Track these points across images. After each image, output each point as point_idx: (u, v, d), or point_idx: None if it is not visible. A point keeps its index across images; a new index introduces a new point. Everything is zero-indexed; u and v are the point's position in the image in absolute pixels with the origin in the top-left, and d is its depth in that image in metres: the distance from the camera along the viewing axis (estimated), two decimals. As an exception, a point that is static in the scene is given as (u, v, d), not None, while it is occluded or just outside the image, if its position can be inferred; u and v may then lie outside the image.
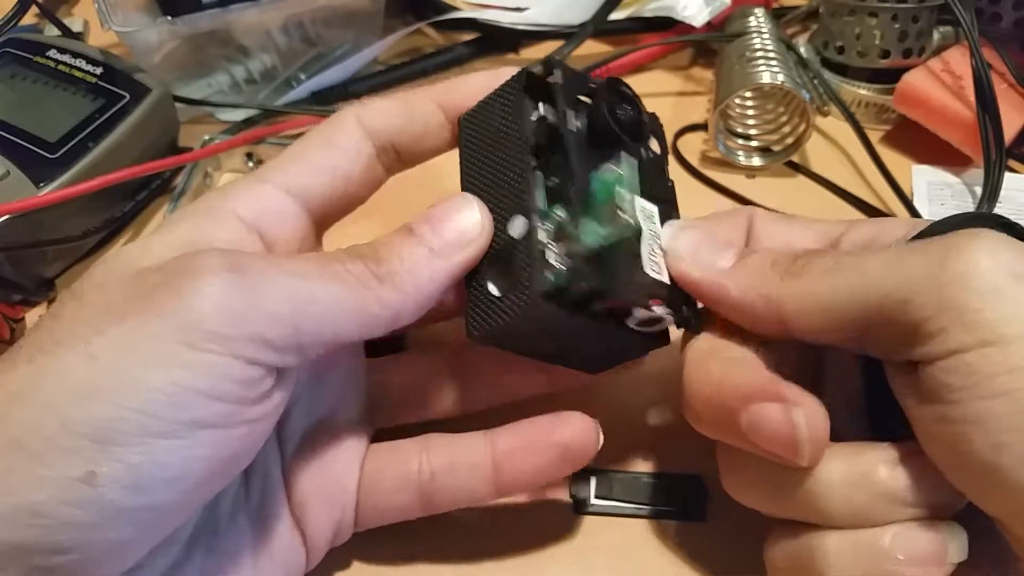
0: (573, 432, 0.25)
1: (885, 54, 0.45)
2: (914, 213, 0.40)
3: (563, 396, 0.33)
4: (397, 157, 0.27)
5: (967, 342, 0.19)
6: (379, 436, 0.28)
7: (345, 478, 0.26)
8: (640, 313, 0.24)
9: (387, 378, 0.29)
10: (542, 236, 0.23)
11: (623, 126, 0.25)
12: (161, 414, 0.19)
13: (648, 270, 0.24)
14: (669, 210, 0.27)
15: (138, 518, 0.19)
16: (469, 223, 0.23)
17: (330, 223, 0.27)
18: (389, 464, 0.26)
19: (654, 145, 0.28)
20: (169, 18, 0.42)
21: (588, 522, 0.29)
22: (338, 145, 0.26)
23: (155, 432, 0.19)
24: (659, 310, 0.24)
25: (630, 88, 0.26)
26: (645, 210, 0.25)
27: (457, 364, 0.29)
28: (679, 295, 0.25)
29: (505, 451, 0.25)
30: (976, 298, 0.19)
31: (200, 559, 0.23)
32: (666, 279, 0.25)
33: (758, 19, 0.47)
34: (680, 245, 0.25)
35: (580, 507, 0.29)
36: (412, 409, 0.29)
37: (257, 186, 0.25)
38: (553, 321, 0.23)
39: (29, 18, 0.51)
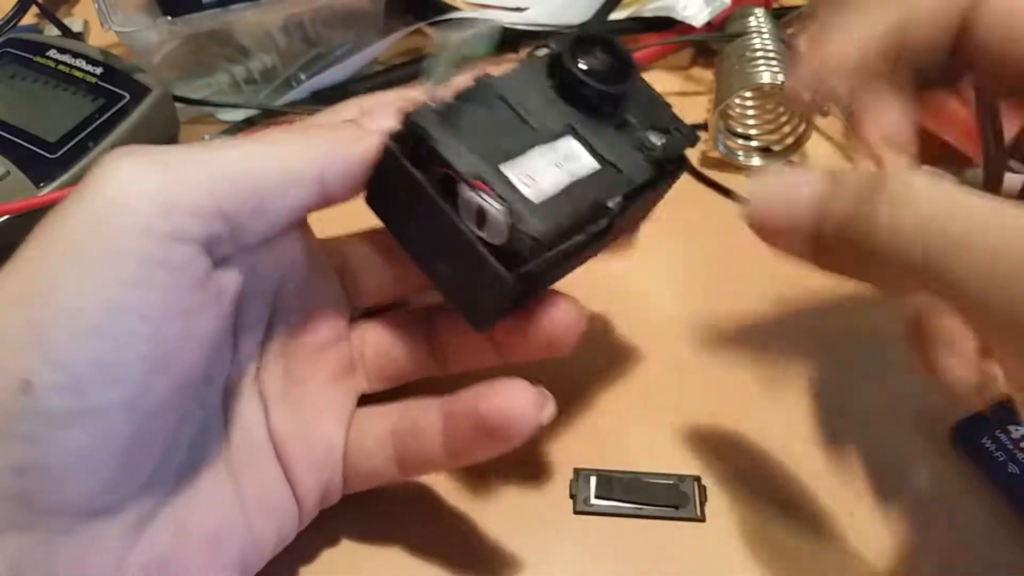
0: (497, 405, 0.23)
1: (885, 54, 0.45)
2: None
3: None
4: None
5: None
6: (367, 401, 0.28)
7: (331, 440, 0.26)
8: (465, 193, 0.22)
9: (364, 336, 0.28)
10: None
11: (601, 75, 0.25)
12: (88, 310, 0.18)
13: (510, 171, 0.23)
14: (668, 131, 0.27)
15: (85, 424, 0.19)
16: (394, 99, 0.25)
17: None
18: (371, 426, 0.26)
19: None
20: (169, 18, 0.42)
21: (588, 522, 0.29)
22: None
23: (84, 330, 0.18)
24: (485, 197, 0.22)
25: (598, 34, 0.26)
26: (571, 148, 0.25)
27: (429, 326, 0.28)
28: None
29: (448, 416, 0.25)
30: None
31: (177, 509, 0.23)
32: (530, 196, 0.23)
33: (758, 19, 0.47)
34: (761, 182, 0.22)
35: (580, 507, 0.29)
36: (391, 370, 0.28)
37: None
38: (397, 172, 0.23)
39: (29, 18, 0.51)
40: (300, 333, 0.27)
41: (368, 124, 0.24)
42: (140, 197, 0.19)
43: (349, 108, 0.26)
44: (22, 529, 0.19)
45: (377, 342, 0.28)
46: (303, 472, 0.26)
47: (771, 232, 0.22)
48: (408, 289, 0.29)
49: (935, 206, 0.19)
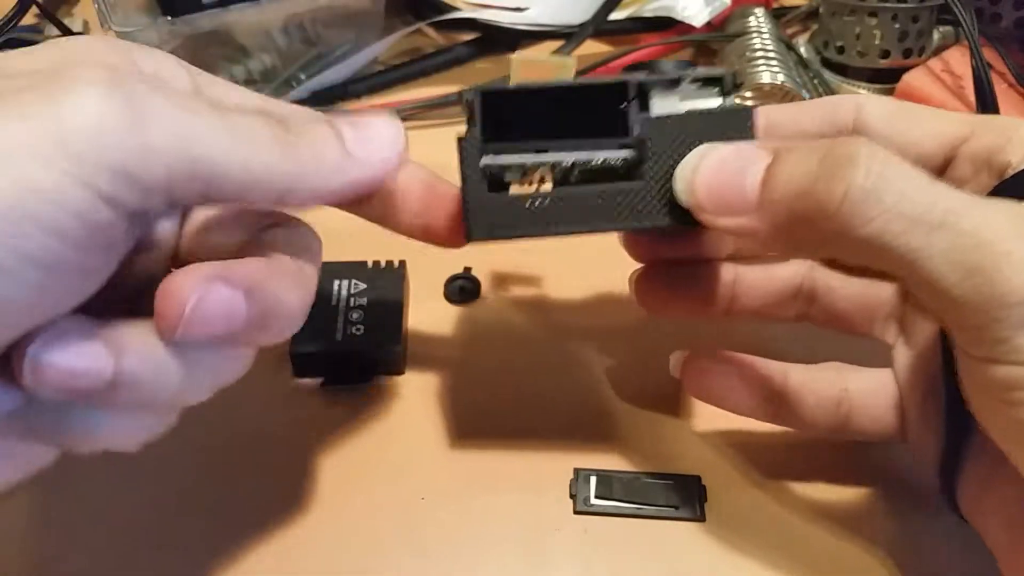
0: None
1: (885, 54, 0.45)
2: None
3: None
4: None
5: None
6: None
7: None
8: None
9: None
10: None
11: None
12: None
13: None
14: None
15: None
16: (390, 138, 0.22)
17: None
18: None
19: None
20: (169, 18, 0.42)
21: (588, 522, 0.29)
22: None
23: None
24: None
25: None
26: None
27: None
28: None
29: None
30: None
31: None
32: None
33: (758, 19, 0.47)
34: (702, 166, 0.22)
35: (580, 507, 0.29)
36: None
37: (164, 54, 0.23)
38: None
39: (29, 18, 0.51)
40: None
41: (361, 149, 0.22)
42: (92, 144, 0.17)
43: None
44: None
45: None
46: None
47: (714, 213, 0.22)
48: None
49: (909, 184, 0.19)
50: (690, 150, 0.23)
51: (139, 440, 0.21)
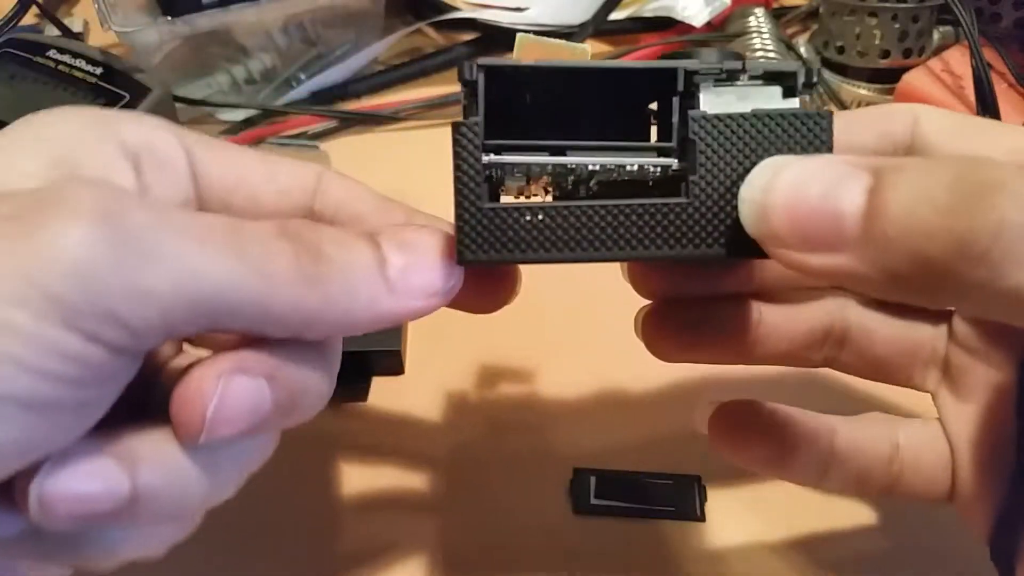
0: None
1: (885, 54, 0.45)
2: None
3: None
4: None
5: None
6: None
7: None
8: None
9: None
10: None
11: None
12: None
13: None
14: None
15: None
16: (439, 277, 0.19)
17: None
18: None
19: None
20: (169, 18, 0.42)
21: (588, 522, 0.29)
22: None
23: None
24: None
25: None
26: None
27: None
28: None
29: None
30: None
31: None
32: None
33: (758, 19, 0.47)
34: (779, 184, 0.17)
35: (580, 507, 0.29)
36: None
37: (154, 121, 0.21)
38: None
39: (29, 18, 0.50)
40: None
41: (407, 282, 0.19)
42: (73, 287, 0.15)
43: (396, 212, 0.22)
44: None
45: None
46: None
47: (796, 248, 0.17)
48: None
49: None
50: (754, 162, 0.18)
51: (163, 549, 0.20)
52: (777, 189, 0.17)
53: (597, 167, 0.19)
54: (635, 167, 0.19)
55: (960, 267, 0.15)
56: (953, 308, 0.24)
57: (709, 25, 0.49)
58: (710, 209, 0.18)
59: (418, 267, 0.19)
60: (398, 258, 0.19)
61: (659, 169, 0.19)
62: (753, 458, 0.24)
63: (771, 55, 0.43)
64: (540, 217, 0.18)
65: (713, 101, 0.19)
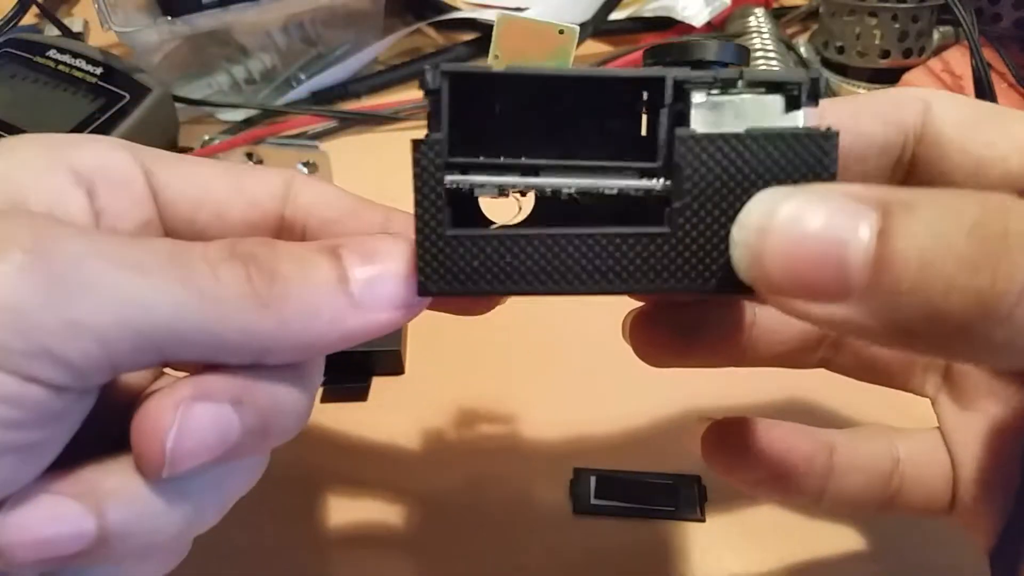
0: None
1: (885, 54, 0.45)
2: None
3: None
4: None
5: None
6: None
7: None
8: None
9: None
10: None
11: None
12: None
13: None
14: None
15: None
16: (408, 288, 0.17)
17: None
18: None
19: None
20: (169, 18, 0.42)
21: (588, 522, 0.29)
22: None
23: None
24: None
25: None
26: None
27: None
28: None
29: None
30: None
31: None
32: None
33: (758, 19, 0.47)
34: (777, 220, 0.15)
35: (580, 507, 0.29)
36: None
37: (108, 142, 0.20)
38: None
39: (29, 18, 0.51)
40: None
41: (373, 294, 0.17)
42: (11, 322, 0.14)
43: (376, 212, 0.22)
44: None
45: None
46: None
47: (793, 295, 0.15)
48: None
49: None
50: (750, 191, 0.16)
51: None
52: (773, 231, 0.15)
53: (572, 190, 0.17)
54: (615, 191, 0.17)
55: (980, 327, 0.14)
56: (964, 363, 0.23)
57: (709, 25, 0.49)
58: (695, 240, 0.17)
59: (384, 279, 0.17)
60: (362, 271, 0.17)
61: (643, 192, 0.17)
62: (747, 481, 0.23)
63: (771, 55, 0.43)
64: (508, 245, 0.17)
65: (705, 116, 0.17)
